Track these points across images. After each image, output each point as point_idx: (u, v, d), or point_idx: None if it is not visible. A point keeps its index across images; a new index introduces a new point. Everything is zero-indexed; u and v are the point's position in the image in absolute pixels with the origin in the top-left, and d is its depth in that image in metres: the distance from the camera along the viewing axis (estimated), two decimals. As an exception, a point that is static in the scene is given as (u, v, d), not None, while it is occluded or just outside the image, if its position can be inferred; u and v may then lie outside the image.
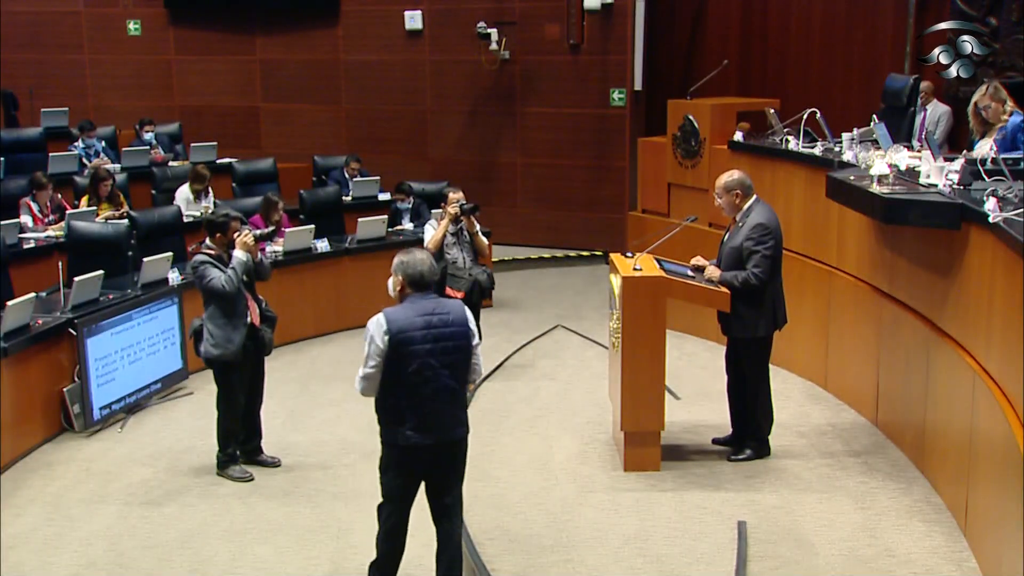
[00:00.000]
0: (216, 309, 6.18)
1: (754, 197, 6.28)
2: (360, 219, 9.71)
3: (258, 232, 6.41)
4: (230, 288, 6.09)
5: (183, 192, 10.32)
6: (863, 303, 6.99)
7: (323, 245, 9.35)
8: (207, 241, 6.31)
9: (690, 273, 6.35)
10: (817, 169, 7.36)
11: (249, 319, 6.26)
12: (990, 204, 5.11)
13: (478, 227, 7.95)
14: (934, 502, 5.80)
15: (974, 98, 6.90)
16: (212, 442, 6.46)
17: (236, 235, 6.22)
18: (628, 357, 6.13)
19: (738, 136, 8.68)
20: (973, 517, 5.27)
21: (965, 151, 6.81)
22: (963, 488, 5.39)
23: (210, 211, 9.92)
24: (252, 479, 6.32)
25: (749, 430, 6.46)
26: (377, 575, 4.76)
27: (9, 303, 6.85)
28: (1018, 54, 9.06)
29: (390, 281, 4.55)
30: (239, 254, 6.19)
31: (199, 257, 6.23)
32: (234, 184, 11.27)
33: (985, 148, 6.66)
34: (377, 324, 4.42)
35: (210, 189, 10.39)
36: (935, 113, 9.32)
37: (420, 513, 4.72)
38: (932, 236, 5.81)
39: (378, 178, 11.46)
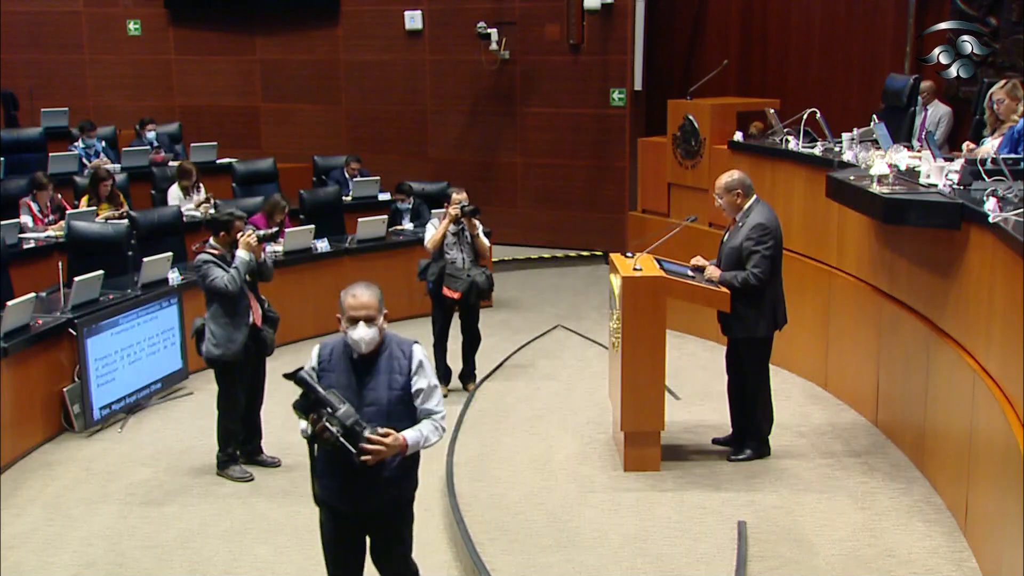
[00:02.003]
0: (218, 309, 6.19)
1: (754, 197, 6.28)
2: (360, 219, 9.70)
3: (261, 232, 6.42)
4: (232, 288, 6.10)
5: (174, 192, 10.31)
6: (863, 303, 6.99)
7: (323, 245, 9.35)
8: (211, 240, 6.32)
9: (690, 273, 6.35)
10: (817, 169, 7.36)
11: (251, 319, 6.26)
12: (990, 204, 5.11)
13: (480, 229, 7.94)
14: (934, 502, 5.79)
15: (991, 90, 6.89)
16: (212, 442, 6.46)
17: (240, 235, 6.23)
18: (628, 357, 6.12)
19: (738, 136, 8.68)
20: (973, 517, 5.27)
21: (968, 145, 6.79)
22: (963, 488, 5.39)
23: (202, 204, 9.94)
24: (252, 479, 6.32)
25: (749, 430, 6.46)
26: None
27: (9, 303, 6.85)
28: (1018, 54, 9.05)
29: (372, 330, 4.00)
30: (242, 254, 6.20)
31: (202, 256, 6.24)
32: (234, 184, 11.25)
33: (989, 147, 6.65)
34: (430, 362, 4.33)
35: (200, 184, 10.37)
36: (936, 113, 9.31)
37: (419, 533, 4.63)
38: (932, 236, 5.81)
39: (378, 178, 11.46)
